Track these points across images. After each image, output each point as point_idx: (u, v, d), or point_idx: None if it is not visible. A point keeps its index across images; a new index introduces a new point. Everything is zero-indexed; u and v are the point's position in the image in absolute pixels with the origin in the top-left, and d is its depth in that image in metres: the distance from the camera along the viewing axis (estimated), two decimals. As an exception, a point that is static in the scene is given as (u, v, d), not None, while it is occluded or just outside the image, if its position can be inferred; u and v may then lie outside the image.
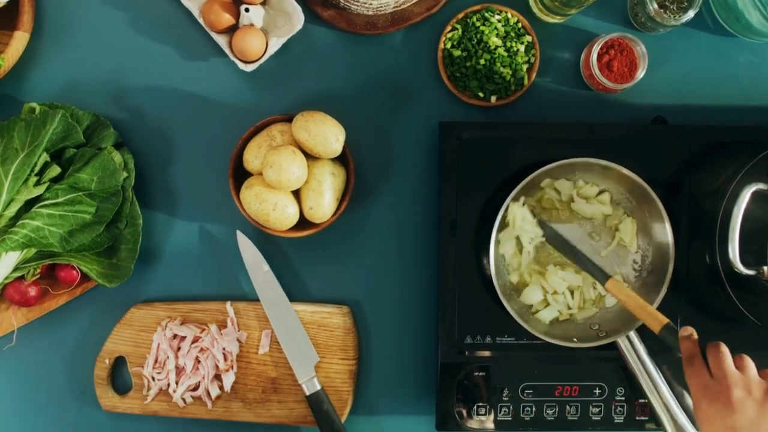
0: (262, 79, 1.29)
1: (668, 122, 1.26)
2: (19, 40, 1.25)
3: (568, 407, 1.25)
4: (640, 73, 1.24)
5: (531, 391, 1.25)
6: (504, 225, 1.22)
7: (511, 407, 1.25)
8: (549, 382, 1.25)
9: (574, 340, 1.20)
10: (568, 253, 1.22)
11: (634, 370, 1.19)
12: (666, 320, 1.10)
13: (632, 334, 1.20)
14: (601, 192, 1.23)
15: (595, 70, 1.24)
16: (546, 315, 1.23)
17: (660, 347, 1.18)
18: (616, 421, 1.25)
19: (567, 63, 1.30)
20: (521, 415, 1.25)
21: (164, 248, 1.30)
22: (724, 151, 1.23)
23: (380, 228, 1.30)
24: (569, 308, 1.24)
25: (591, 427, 1.25)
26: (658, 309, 1.18)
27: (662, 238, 1.21)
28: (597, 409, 1.25)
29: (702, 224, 1.22)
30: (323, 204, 1.21)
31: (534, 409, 1.25)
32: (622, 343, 1.20)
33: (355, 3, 1.26)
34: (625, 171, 1.18)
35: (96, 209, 1.21)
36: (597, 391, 1.25)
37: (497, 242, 1.21)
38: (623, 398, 1.25)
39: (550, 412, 1.25)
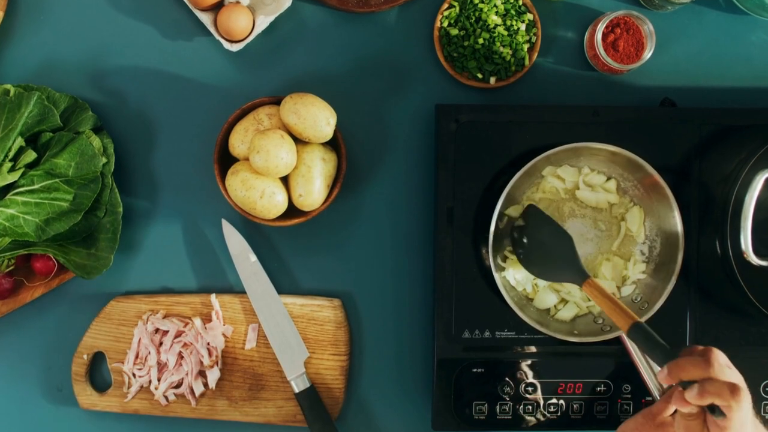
0: (249, 59, 1.28)
1: (677, 105, 1.26)
2: (-8, 17, 1.24)
3: (571, 405, 1.24)
4: (648, 54, 1.24)
5: (532, 389, 1.24)
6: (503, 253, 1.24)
7: (511, 405, 1.24)
8: (551, 379, 1.24)
9: (575, 332, 1.20)
10: (541, 271, 1.21)
11: (639, 366, 1.18)
12: (635, 318, 1.08)
13: None
14: (608, 179, 1.23)
15: (600, 50, 1.23)
16: (566, 314, 1.23)
17: (667, 342, 1.15)
18: (622, 420, 1.23)
19: (570, 42, 1.30)
20: (522, 414, 1.24)
21: (145, 238, 1.29)
22: (736, 136, 1.23)
23: (373, 216, 1.30)
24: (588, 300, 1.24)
25: (596, 426, 1.25)
26: (667, 302, 1.19)
27: (671, 227, 1.20)
28: (602, 407, 1.25)
29: (713, 212, 1.22)
30: (313, 191, 1.21)
31: (535, 407, 1.24)
32: (629, 341, 1.18)
33: (347, -21, 1.26)
34: (634, 157, 1.17)
35: (74, 197, 1.20)
36: (602, 388, 1.25)
37: (500, 268, 1.22)
38: (629, 396, 1.25)
39: (552, 410, 1.24)
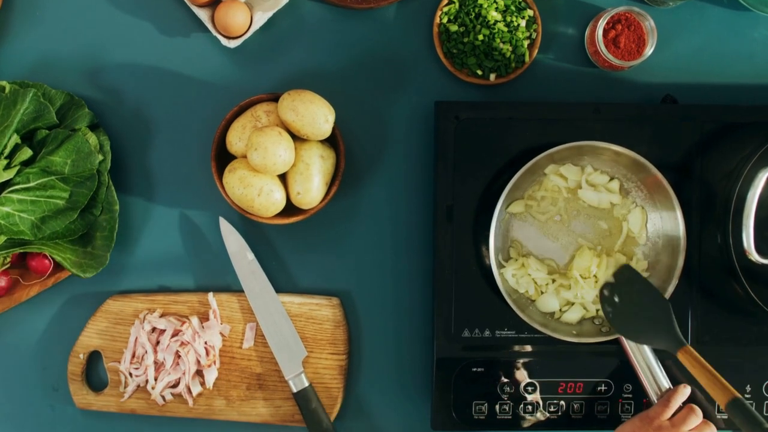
0: (247, 56, 1.28)
1: (679, 102, 1.26)
2: (-13, 13, 1.24)
3: (572, 405, 1.24)
4: (649, 50, 1.23)
5: (532, 388, 1.24)
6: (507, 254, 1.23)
7: (511, 405, 1.24)
8: (552, 379, 1.24)
9: (574, 332, 1.20)
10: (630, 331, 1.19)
11: (638, 368, 1.19)
12: (735, 393, 1.07)
13: None
14: (611, 179, 1.23)
15: (601, 47, 1.23)
16: (572, 316, 1.23)
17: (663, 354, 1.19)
18: (623, 419, 1.24)
19: (571, 39, 1.29)
20: (522, 414, 1.24)
21: (142, 236, 1.29)
22: (738, 133, 1.22)
23: (372, 214, 1.29)
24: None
25: (596, 426, 1.25)
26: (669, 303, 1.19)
27: (673, 229, 1.20)
28: (603, 407, 1.24)
29: (714, 210, 1.22)
30: (311, 189, 1.20)
31: (535, 407, 1.24)
32: (627, 341, 1.20)
33: (346, -25, 1.25)
34: (638, 157, 1.17)
35: (70, 194, 1.20)
36: (603, 387, 1.24)
37: (501, 266, 1.22)
38: (630, 395, 1.24)
39: (552, 410, 1.24)
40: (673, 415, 1.13)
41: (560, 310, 1.22)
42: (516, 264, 1.21)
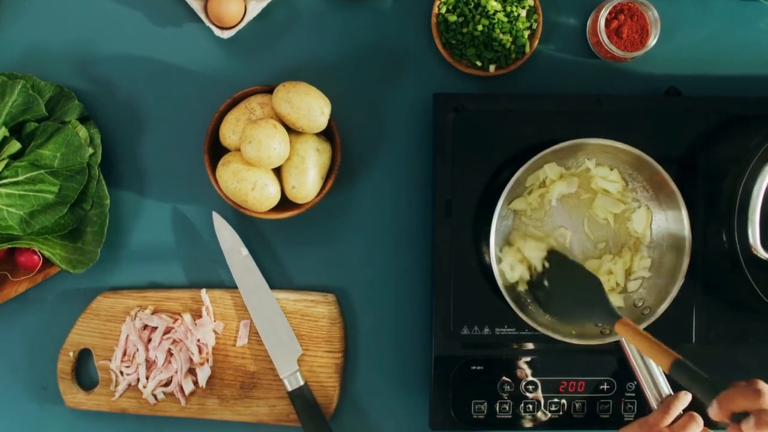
0: (241, 46, 1.28)
1: (683, 94, 1.25)
2: (-26, 3, 1.24)
3: (573, 404, 1.24)
4: (652, 41, 1.24)
5: (533, 387, 1.24)
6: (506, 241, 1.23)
7: (511, 404, 1.24)
8: (553, 377, 1.24)
9: (573, 333, 1.20)
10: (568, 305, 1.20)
11: (638, 373, 1.18)
12: (676, 355, 1.07)
13: None
14: (615, 178, 1.23)
15: (603, 37, 1.23)
16: None
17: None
18: (626, 419, 1.24)
19: (572, 29, 1.30)
20: (522, 413, 1.24)
21: (134, 231, 1.29)
22: (744, 125, 1.22)
23: (369, 209, 1.29)
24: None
25: (599, 425, 1.25)
26: (673, 301, 1.19)
27: (678, 229, 1.20)
28: (605, 407, 1.25)
29: (719, 205, 1.20)
30: (307, 183, 1.20)
31: (536, 406, 1.24)
32: (627, 344, 1.19)
33: (342, -36, 1.26)
34: (643, 155, 1.17)
35: (59, 188, 1.20)
36: (605, 386, 1.25)
37: (497, 260, 1.21)
38: (633, 394, 1.25)
39: (554, 409, 1.24)
40: (674, 422, 1.12)
41: None
42: (512, 250, 1.21)
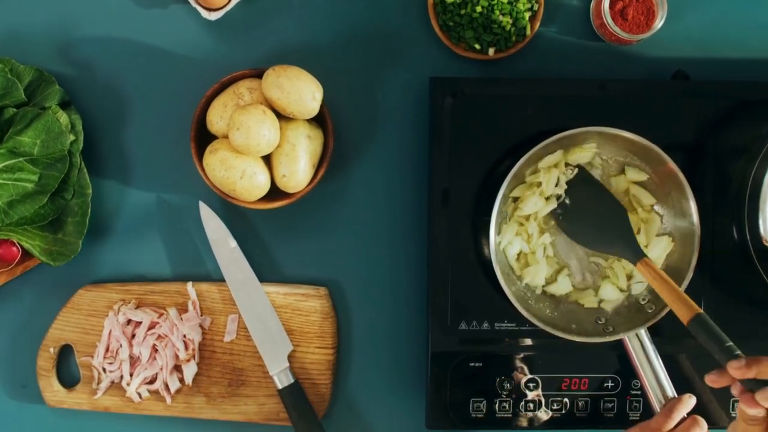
0: (229, 28, 1.28)
1: (690, 78, 1.25)
2: (-51, -18, 1.24)
3: (576, 402, 1.25)
4: (659, 23, 1.23)
5: (534, 385, 1.24)
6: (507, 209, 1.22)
7: (511, 403, 1.24)
8: (554, 374, 1.24)
9: (573, 326, 1.19)
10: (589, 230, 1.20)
11: (641, 374, 1.18)
12: (698, 309, 1.08)
13: (642, 333, 1.19)
14: (621, 170, 1.23)
15: (608, 19, 1.22)
16: (561, 287, 1.23)
17: (675, 349, 1.22)
18: (631, 417, 1.24)
19: (575, 10, 1.29)
20: (523, 412, 1.24)
21: (117, 222, 1.29)
22: (754, 111, 1.22)
23: (363, 198, 1.29)
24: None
25: (603, 424, 1.25)
26: None
27: (687, 224, 1.19)
28: (610, 405, 1.25)
29: (728, 194, 1.21)
30: (298, 171, 1.20)
31: (537, 404, 1.24)
32: (630, 342, 1.18)
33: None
34: (650, 144, 1.16)
35: (39, 177, 1.19)
36: (609, 384, 1.24)
37: (497, 253, 1.21)
38: (639, 392, 1.24)
39: (555, 408, 1.24)
40: (676, 426, 1.12)
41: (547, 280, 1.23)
42: (510, 228, 1.21)
